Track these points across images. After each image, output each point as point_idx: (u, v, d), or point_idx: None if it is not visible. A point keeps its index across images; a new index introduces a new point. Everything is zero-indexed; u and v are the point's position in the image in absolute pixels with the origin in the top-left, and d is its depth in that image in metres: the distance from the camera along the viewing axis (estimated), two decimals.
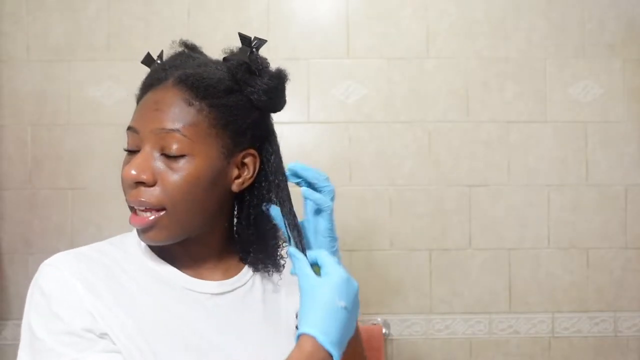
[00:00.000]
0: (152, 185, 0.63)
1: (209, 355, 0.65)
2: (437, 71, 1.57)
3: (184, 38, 0.73)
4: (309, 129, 1.56)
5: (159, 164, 0.63)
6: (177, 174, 0.63)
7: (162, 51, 0.72)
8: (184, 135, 0.63)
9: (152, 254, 0.69)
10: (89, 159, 1.54)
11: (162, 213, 0.63)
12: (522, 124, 1.58)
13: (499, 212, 1.57)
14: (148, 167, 0.63)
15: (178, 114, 0.63)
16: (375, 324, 1.53)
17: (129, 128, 0.65)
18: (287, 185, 0.72)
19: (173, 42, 0.73)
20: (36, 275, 0.63)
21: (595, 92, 1.58)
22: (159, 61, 0.71)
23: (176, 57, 0.70)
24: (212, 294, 0.69)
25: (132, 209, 0.65)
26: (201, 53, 0.73)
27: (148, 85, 0.67)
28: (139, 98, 0.68)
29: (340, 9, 1.57)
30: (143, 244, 0.69)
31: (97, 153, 1.54)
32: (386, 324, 1.54)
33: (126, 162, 0.65)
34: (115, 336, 0.61)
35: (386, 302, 1.56)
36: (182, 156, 0.63)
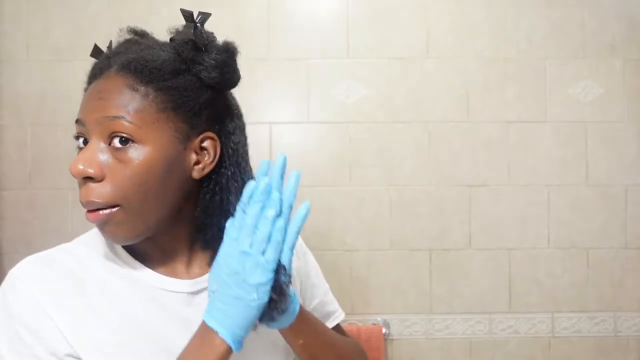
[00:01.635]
0: (101, 180, 0.59)
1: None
2: (437, 71, 1.57)
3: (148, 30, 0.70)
4: (309, 129, 1.56)
5: (107, 156, 0.59)
6: (127, 166, 0.59)
7: (110, 42, 0.68)
8: (130, 122, 0.58)
9: (124, 252, 0.67)
10: None
11: (115, 209, 0.59)
12: (522, 124, 1.57)
13: (499, 212, 1.57)
14: (94, 160, 0.59)
15: (122, 100, 0.59)
16: (375, 324, 1.53)
17: (77, 121, 0.62)
18: (248, 170, 0.68)
19: (120, 30, 0.68)
20: (4, 284, 0.61)
21: (595, 92, 1.58)
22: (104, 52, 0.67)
23: (121, 45, 0.66)
24: (186, 293, 0.67)
25: None
26: (151, 38, 0.69)
27: (92, 77, 0.64)
28: (85, 90, 0.65)
29: (340, 9, 1.57)
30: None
31: None
32: (386, 324, 1.54)
33: None
34: (83, 350, 0.59)
35: (386, 302, 1.56)
36: (129, 145, 0.59)
